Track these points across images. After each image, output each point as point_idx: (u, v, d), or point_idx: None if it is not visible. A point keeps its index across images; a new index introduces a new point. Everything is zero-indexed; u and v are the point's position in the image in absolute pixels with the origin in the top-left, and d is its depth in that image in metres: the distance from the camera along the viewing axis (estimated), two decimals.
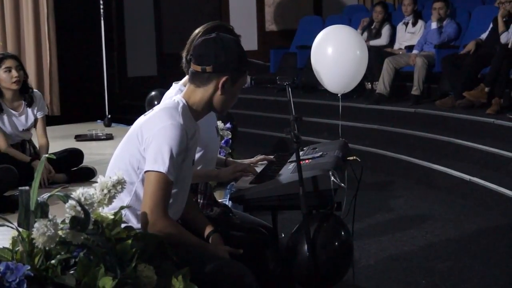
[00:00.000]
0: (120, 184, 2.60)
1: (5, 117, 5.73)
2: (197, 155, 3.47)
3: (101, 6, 9.95)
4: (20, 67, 5.70)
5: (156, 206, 2.80)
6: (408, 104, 8.93)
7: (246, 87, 3.25)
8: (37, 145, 6.00)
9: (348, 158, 3.60)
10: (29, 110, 5.84)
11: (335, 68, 6.16)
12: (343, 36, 6.26)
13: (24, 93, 5.82)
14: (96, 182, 2.60)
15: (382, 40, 10.08)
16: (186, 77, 3.64)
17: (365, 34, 10.17)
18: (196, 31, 3.68)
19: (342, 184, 3.15)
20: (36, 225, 2.28)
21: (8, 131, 5.74)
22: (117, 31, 12.32)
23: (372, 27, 10.28)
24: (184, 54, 3.65)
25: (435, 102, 8.67)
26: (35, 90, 6.00)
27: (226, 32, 3.31)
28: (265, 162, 3.94)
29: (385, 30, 10.12)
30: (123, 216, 2.67)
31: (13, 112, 5.78)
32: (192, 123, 3.00)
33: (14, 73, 5.61)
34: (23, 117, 5.83)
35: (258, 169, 3.77)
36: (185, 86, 3.55)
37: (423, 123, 8.54)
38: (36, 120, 5.91)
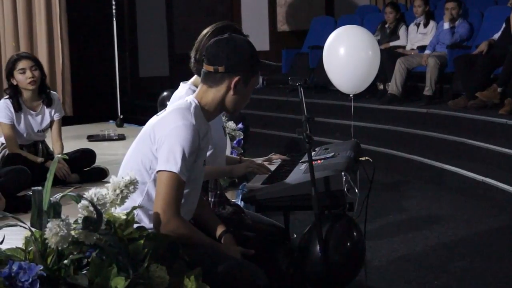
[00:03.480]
0: (132, 184, 2.60)
1: (21, 116, 5.76)
2: (207, 154, 3.48)
3: (113, 7, 9.96)
4: (36, 67, 5.70)
5: (168, 206, 2.80)
6: (420, 105, 8.91)
7: (258, 87, 3.25)
8: (50, 146, 6.03)
9: (360, 159, 3.61)
10: (47, 111, 5.87)
11: (347, 68, 6.16)
12: (355, 37, 6.26)
13: (42, 93, 5.85)
14: (109, 182, 2.60)
15: (402, 41, 10.06)
16: (195, 77, 3.65)
17: (380, 35, 10.15)
18: (205, 31, 3.68)
19: (356, 190, 3.16)
20: (49, 225, 2.29)
21: (22, 130, 5.77)
22: (129, 31, 12.34)
23: (386, 26, 10.26)
24: (192, 54, 3.65)
25: (447, 102, 8.65)
26: (52, 92, 6.01)
27: (234, 32, 3.32)
28: (279, 160, 3.95)
29: (402, 31, 10.09)
30: (135, 216, 2.68)
31: (30, 111, 5.81)
32: (204, 123, 3.01)
33: (28, 74, 5.64)
34: (39, 117, 5.85)
35: (272, 167, 3.77)
36: (194, 85, 3.58)
37: (435, 123, 8.52)
38: (52, 122, 5.93)
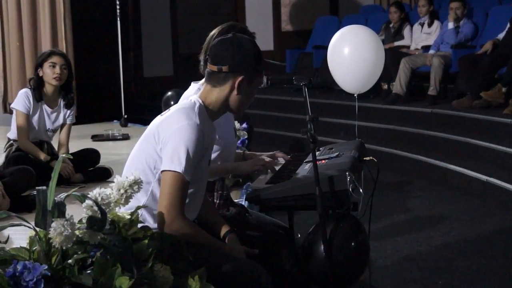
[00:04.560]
0: (136, 184, 2.60)
1: (38, 109, 5.81)
2: (214, 154, 3.48)
3: (118, 6, 9.98)
4: (66, 66, 5.78)
5: (173, 206, 2.80)
6: (424, 104, 8.91)
7: (262, 87, 3.25)
8: (55, 147, 6.04)
9: (364, 159, 3.60)
10: (62, 112, 5.91)
11: (351, 68, 6.15)
12: (360, 36, 6.25)
13: (65, 93, 5.89)
14: (113, 182, 2.60)
15: (406, 41, 10.06)
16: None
17: (384, 34, 10.15)
18: (212, 32, 3.68)
19: (360, 190, 3.16)
20: (53, 224, 2.29)
21: (35, 123, 5.80)
22: (134, 31, 12.33)
23: (391, 26, 10.25)
24: (201, 56, 3.65)
25: (451, 102, 8.64)
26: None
27: (241, 32, 3.32)
28: (283, 160, 3.95)
29: (407, 31, 10.09)
30: (139, 216, 2.68)
31: (47, 107, 5.84)
32: (209, 123, 3.01)
33: (57, 69, 5.72)
34: (54, 115, 5.88)
35: (276, 167, 3.77)
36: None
37: (439, 123, 8.52)
38: (63, 125, 5.96)
